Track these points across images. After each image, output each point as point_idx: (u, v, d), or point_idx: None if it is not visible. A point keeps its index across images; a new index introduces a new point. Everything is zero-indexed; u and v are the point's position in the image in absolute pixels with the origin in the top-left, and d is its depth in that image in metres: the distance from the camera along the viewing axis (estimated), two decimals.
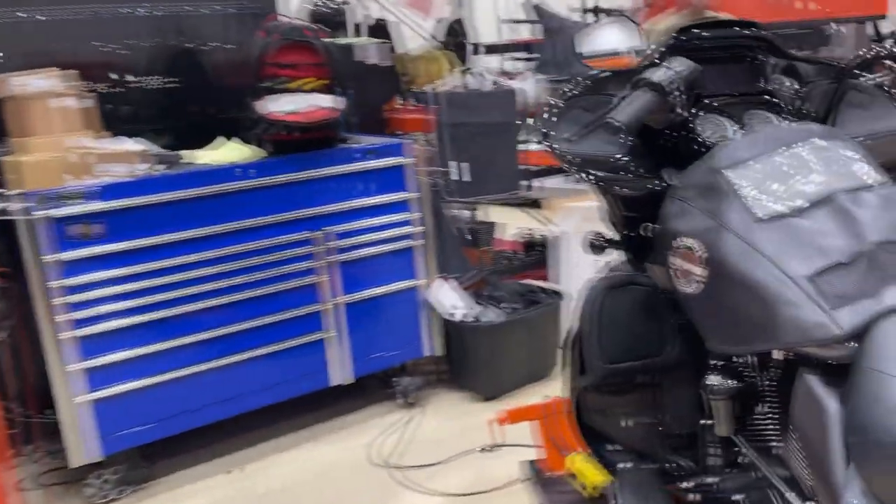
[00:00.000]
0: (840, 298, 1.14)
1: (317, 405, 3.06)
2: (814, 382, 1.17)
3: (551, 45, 3.71)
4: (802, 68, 1.68)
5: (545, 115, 1.59)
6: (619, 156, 1.54)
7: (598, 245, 1.69)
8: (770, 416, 1.41)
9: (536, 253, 3.65)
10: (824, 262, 1.18)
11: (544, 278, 3.56)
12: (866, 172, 1.31)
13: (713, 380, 1.40)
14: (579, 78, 1.59)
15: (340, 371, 2.94)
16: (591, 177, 1.52)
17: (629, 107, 1.32)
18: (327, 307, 2.87)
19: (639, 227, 1.52)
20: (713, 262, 1.30)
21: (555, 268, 3.51)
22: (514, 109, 3.31)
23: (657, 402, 1.64)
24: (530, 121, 3.34)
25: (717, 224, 1.31)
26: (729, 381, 1.39)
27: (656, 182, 1.49)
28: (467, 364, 3.13)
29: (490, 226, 3.62)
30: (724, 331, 1.31)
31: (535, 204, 4.01)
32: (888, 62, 1.44)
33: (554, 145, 1.54)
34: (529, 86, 3.44)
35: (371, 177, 2.91)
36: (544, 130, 1.57)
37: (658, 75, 1.35)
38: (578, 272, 3.44)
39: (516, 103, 3.32)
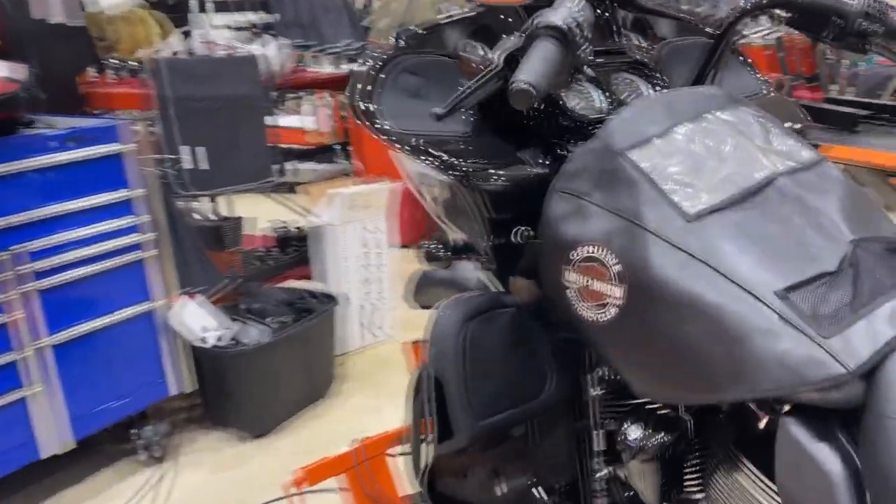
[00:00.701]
0: (833, 322, 0.84)
1: (27, 484, 2.27)
2: (803, 437, 0.86)
3: (292, 2, 3.16)
4: (655, 23, 1.39)
5: (360, 85, 1.12)
6: (469, 135, 1.14)
7: (439, 256, 1.26)
8: (697, 467, 1.10)
9: (295, 249, 3.12)
10: (801, 271, 0.87)
11: (307, 277, 3.05)
12: (796, 148, 1.04)
13: (635, 433, 1.05)
14: (410, 28, 1.14)
15: (55, 435, 2.18)
16: (439, 165, 1.09)
17: (532, 62, 0.90)
18: (27, 354, 2.09)
19: (509, 231, 1.12)
20: (633, 277, 0.94)
21: (319, 265, 3.02)
22: (258, 80, 2.72)
23: (531, 453, 1.27)
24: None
25: (632, 225, 0.95)
26: (659, 434, 1.05)
27: (532, 170, 1.10)
28: (228, 397, 2.54)
29: (237, 221, 3.01)
30: (661, 374, 0.96)
31: (289, 190, 3.45)
32: (774, 10, 1.17)
33: (385, 126, 1.08)
34: (272, 51, 2.87)
35: (76, 172, 2.16)
36: (364, 107, 1.10)
37: (558, 17, 0.93)
38: (347, 267, 2.99)
39: (258, 72, 2.73)
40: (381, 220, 3.01)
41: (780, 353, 0.83)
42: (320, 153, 3.62)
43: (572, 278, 1.01)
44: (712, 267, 0.89)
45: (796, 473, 0.86)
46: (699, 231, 0.92)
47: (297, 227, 3.19)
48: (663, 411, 1.08)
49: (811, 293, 0.86)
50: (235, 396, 2.52)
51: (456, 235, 1.24)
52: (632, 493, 1.23)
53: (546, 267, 1.06)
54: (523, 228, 1.10)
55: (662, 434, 1.04)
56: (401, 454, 1.55)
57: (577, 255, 1.00)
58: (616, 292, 0.96)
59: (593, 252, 0.98)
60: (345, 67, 3.29)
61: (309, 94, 4.59)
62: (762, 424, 0.97)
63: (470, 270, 1.44)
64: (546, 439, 1.27)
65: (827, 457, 0.83)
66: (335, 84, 3.40)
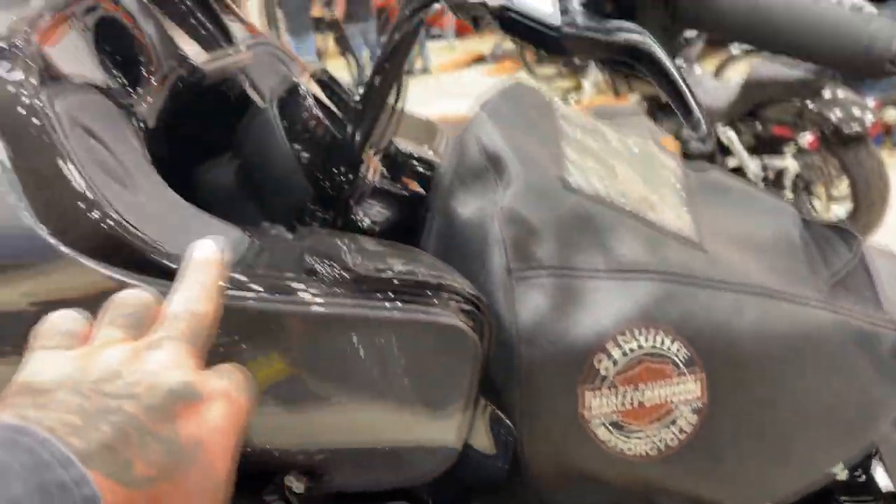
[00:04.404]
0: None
1: None
2: None
3: None
4: None
5: None
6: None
7: None
8: None
9: None
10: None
11: None
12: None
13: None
14: None
15: None
16: None
17: None
18: None
19: None
20: (707, 355, 0.67)
21: None
22: None
23: None
24: None
25: (661, 282, 0.70)
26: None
27: None
28: None
29: None
30: (766, 470, 0.69)
31: None
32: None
33: None
34: None
35: None
36: None
37: None
38: None
39: None
40: None
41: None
42: None
43: (601, 402, 0.65)
44: (766, 295, 0.68)
45: None
46: (714, 254, 0.70)
47: None
48: None
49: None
50: None
51: None
52: None
53: (525, 409, 0.65)
54: None
55: None
56: None
57: (604, 361, 0.64)
58: (691, 390, 0.65)
59: (637, 344, 0.64)
60: None
61: None
62: None
63: None
64: None
65: None
66: None
